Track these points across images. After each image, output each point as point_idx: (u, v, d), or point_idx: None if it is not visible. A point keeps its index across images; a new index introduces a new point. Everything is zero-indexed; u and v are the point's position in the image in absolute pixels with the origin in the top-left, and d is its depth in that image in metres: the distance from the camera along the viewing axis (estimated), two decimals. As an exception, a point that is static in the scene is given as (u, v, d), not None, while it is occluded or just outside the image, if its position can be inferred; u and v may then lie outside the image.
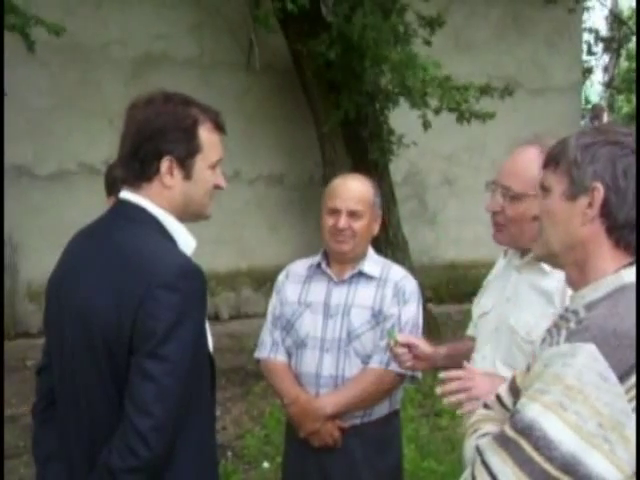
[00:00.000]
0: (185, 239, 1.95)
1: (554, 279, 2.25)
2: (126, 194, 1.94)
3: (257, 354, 3.08)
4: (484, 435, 1.65)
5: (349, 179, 3.03)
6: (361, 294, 2.90)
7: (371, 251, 2.99)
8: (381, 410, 2.90)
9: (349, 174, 3.11)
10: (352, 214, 2.85)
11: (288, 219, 9.01)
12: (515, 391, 1.76)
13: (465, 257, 9.50)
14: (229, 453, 4.89)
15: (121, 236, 1.87)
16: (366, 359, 2.86)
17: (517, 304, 2.37)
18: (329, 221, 2.89)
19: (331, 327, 2.87)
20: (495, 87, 7.56)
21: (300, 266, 3.08)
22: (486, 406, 1.82)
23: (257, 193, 8.75)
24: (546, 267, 2.26)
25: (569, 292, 2.16)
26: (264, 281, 8.90)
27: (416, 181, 9.64)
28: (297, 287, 3.00)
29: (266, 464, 4.83)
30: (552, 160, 1.61)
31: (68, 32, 6.15)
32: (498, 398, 1.80)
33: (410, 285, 2.93)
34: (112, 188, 2.88)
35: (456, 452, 4.82)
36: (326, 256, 2.99)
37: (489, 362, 2.41)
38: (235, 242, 8.52)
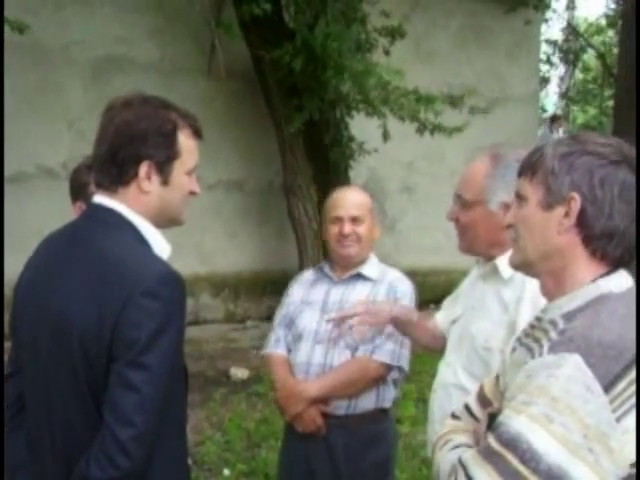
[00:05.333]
0: (160, 245, 1.92)
1: (512, 288, 2.30)
2: (100, 198, 1.89)
3: (262, 352, 3.28)
4: (457, 447, 1.65)
5: (347, 190, 3.26)
6: (357, 292, 3.06)
7: (374, 258, 3.19)
8: (366, 404, 2.98)
9: (346, 187, 3.37)
10: (354, 220, 3.04)
11: (247, 225, 8.99)
12: (484, 401, 1.76)
13: (424, 264, 9.56)
14: (189, 460, 4.84)
15: (99, 243, 1.82)
16: (354, 351, 2.98)
17: (479, 312, 2.41)
18: (334, 229, 3.07)
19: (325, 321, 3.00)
20: (462, 100, 7.66)
21: (308, 272, 3.34)
22: (454, 416, 1.82)
23: (216, 199, 8.72)
24: (505, 275, 2.31)
25: (525, 301, 2.23)
26: (223, 287, 8.87)
27: (376, 188, 9.69)
28: (302, 289, 3.23)
29: (227, 471, 4.80)
30: (528, 169, 1.61)
31: (28, 32, 6.09)
32: (467, 408, 1.80)
33: (404, 286, 3.08)
34: (78, 193, 2.82)
35: (417, 459, 4.85)
36: (330, 262, 3.22)
37: (452, 369, 2.46)
38: (194, 247, 8.47)
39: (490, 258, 2.43)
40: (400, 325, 2.79)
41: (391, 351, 2.96)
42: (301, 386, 2.97)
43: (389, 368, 2.97)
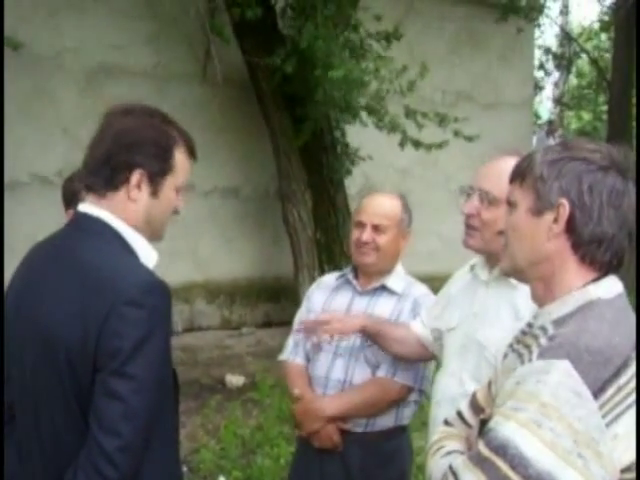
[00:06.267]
0: (147, 252, 1.91)
1: (523, 293, 2.25)
2: (86, 206, 1.89)
3: (279, 357, 3.20)
4: (449, 453, 1.65)
5: (378, 195, 3.06)
6: (381, 306, 2.98)
7: (399, 268, 3.08)
8: (386, 422, 2.92)
9: (379, 192, 3.11)
10: (376, 228, 2.94)
11: (243, 231, 8.98)
12: (476, 407, 1.76)
13: (419, 270, 9.51)
14: (184, 468, 4.83)
15: (84, 252, 1.82)
16: (375, 368, 2.91)
17: (485, 320, 2.37)
18: (355, 234, 2.99)
19: None
20: (449, 118, 7.66)
21: (331, 277, 3.24)
22: (447, 423, 1.82)
23: (212, 205, 8.71)
24: (514, 280, 2.26)
25: None
26: (218, 294, 8.86)
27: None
28: (324, 295, 3.13)
29: (222, 478, 4.80)
30: (518, 175, 1.62)
31: (21, 39, 6.08)
32: (459, 414, 1.80)
33: (429, 303, 2.94)
34: (71, 201, 2.82)
35: (413, 465, 4.83)
36: (354, 269, 3.11)
37: (456, 379, 2.41)
38: (190, 254, 8.47)
39: (492, 261, 2.40)
40: (370, 336, 2.79)
41: (414, 372, 2.89)
42: (319, 403, 2.90)
43: (410, 389, 2.91)
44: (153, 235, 1.98)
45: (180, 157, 1.93)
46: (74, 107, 7.54)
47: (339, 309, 3.01)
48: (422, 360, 2.86)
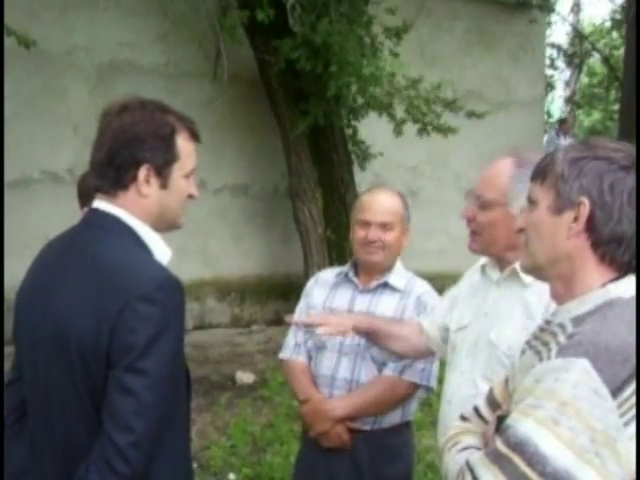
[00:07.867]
0: (161, 249, 1.91)
1: (534, 292, 2.25)
2: (100, 203, 1.89)
3: (280, 355, 3.17)
4: (465, 448, 1.64)
5: (379, 192, 3.04)
6: (384, 303, 2.96)
7: (399, 265, 3.06)
8: (393, 419, 2.93)
9: (378, 188, 3.10)
10: (382, 226, 2.92)
11: (253, 229, 8.99)
12: (493, 403, 1.76)
13: (429, 268, 9.53)
14: (195, 464, 4.84)
15: (97, 248, 1.82)
16: (382, 366, 2.91)
17: (497, 319, 2.36)
18: (360, 233, 2.95)
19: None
20: (460, 105, 7.71)
21: (329, 273, 3.19)
22: (463, 418, 1.82)
23: (222, 203, 8.72)
24: (526, 279, 2.25)
25: (552, 304, 2.20)
26: (228, 291, 8.87)
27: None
28: (324, 292, 3.09)
29: (232, 475, 4.81)
30: (539, 173, 1.62)
31: (33, 37, 6.10)
32: (476, 410, 1.80)
33: (432, 300, 2.96)
34: (86, 199, 2.83)
35: (422, 463, 4.84)
36: (354, 266, 3.08)
37: (468, 377, 2.39)
38: (199, 252, 8.48)
39: (502, 261, 2.39)
40: (367, 335, 2.75)
41: (421, 370, 2.88)
42: (328, 405, 2.89)
43: (417, 387, 2.91)
44: (171, 225, 1.98)
45: (183, 143, 1.91)
46: (85, 104, 7.56)
47: (341, 307, 2.99)
48: (423, 357, 2.84)
